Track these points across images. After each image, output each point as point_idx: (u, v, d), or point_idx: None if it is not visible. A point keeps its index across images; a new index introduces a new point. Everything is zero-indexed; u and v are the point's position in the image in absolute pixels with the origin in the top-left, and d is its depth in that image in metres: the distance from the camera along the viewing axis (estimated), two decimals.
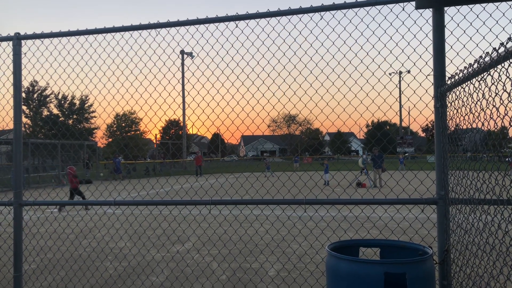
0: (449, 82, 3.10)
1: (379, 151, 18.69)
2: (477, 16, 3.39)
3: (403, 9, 3.51)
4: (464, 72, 2.77)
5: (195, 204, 3.42)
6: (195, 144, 74.83)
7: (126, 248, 6.14)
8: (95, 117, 47.18)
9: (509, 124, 2.21)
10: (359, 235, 3.51)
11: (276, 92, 3.78)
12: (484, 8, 3.38)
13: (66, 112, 46.51)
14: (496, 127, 2.48)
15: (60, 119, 45.39)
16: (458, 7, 3.40)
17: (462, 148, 3.16)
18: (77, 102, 46.72)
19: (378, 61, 3.61)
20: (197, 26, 3.88)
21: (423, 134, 73.81)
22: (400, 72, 41.32)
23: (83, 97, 46.27)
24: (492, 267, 2.64)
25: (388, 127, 64.41)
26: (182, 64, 34.97)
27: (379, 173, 17.81)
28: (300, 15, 3.70)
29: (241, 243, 5.32)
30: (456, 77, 2.92)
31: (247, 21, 3.78)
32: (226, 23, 3.81)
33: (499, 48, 2.24)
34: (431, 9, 3.39)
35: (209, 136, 76.33)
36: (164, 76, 4.07)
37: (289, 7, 3.69)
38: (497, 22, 3.37)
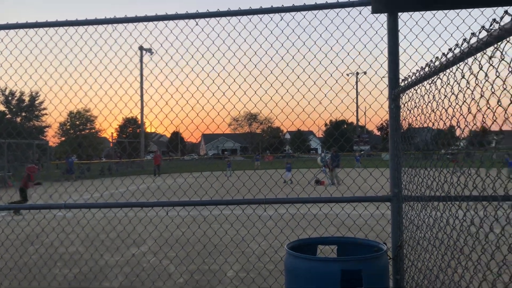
0: (402, 84, 3.22)
1: (336, 150, 19.26)
2: (428, 22, 3.54)
3: (360, 13, 3.61)
4: (416, 75, 2.89)
5: (152, 206, 3.35)
6: (154, 143, 73.40)
7: (77, 253, 5.89)
8: (46, 114, 45.01)
9: (457, 124, 2.33)
10: (317, 233, 3.58)
11: (237, 91, 3.77)
12: (434, 15, 3.53)
13: (14, 109, 44.10)
14: (445, 127, 2.61)
15: (7, 116, 42.99)
16: (410, 13, 3.54)
17: (414, 147, 3.29)
18: (27, 99, 44.40)
19: (336, 62, 3.69)
20: (155, 22, 3.80)
21: (378, 133, 76.39)
22: (357, 74, 42.48)
23: (33, 93, 44.02)
24: (441, 261, 2.77)
25: (345, 126, 65.98)
26: (141, 60, 34.19)
27: (336, 171, 18.34)
28: (260, 15, 3.71)
29: (200, 244, 5.27)
30: (409, 80, 3.04)
31: (207, 19, 3.74)
32: (186, 20, 3.75)
33: (447, 53, 2.35)
34: (386, 14, 3.50)
35: (168, 135, 75.17)
36: (121, 73, 3.96)
37: (250, 7, 3.69)
38: (445, 28, 3.54)
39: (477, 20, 3.45)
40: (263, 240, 4.10)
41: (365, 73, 3.82)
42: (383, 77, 3.56)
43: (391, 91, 3.43)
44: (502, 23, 1.64)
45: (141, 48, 35.83)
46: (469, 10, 3.41)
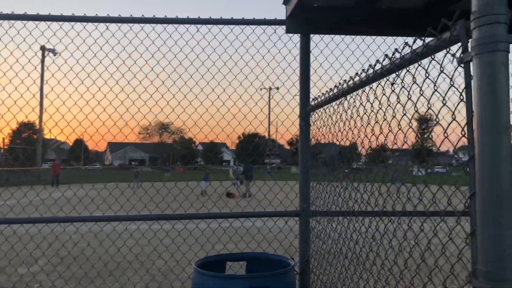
0: (313, 103, 3.34)
1: (249, 163, 19.69)
2: (337, 45, 3.75)
3: (275, 32, 3.70)
4: (326, 96, 3.03)
5: (46, 222, 3.02)
6: (53, 150, 67.73)
7: None
8: None
9: (361, 144, 2.48)
10: (227, 249, 3.53)
11: (148, 100, 3.61)
12: (342, 39, 3.76)
13: None
14: (350, 144, 2.78)
15: None
16: (322, 35, 3.72)
17: (321, 163, 3.43)
18: None
19: (251, 78, 3.73)
20: (60, 23, 3.50)
21: (288, 147, 79.45)
22: (270, 89, 43.67)
23: None
24: (344, 275, 2.89)
25: (258, 139, 67.48)
26: (42, 62, 31.49)
27: (248, 184, 18.64)
28: (176, 25, 3.62)
29: (101, 263, 4.88)
30: (319, 99, 3.17)
31: (119, 24, 3.54)
32: (96, 24, 3.51)
33: (354, 76, 2.50)
34: (299, 35, 3.64)
35: (71, 142, 69.92)
36: (16, 74, 3.56)
37: (165, 16, 3.58)
38: (352, 53, 3.78)
39: (380, 47, 3.74)
40: (170, 257, 3.93)
41: (277, 89, 3.92)
42: (295, 95, 3.68)
43: (302, 109, 3.55)
44: (403, 53, 1.78)
45: (43, 48, 33.09)
46: (373, 37, 3.68)
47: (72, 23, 3.49)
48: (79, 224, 3.33)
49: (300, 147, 3.58)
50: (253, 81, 3.75)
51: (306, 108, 3.52)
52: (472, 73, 1.26)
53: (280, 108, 3.71)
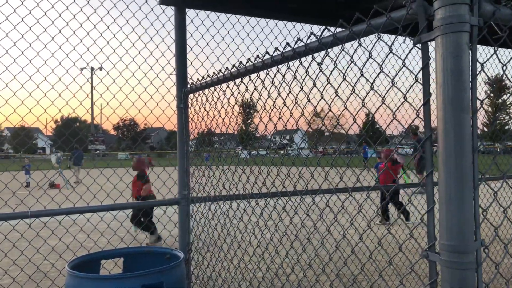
0: (198, 84, 3.12)
1: (77, 148, 18.87)
2: (213, 23, 3.58)
3: (146, 2, 3.31)
4: (207, 79, 2.89)
5: None
6: None
7: None
8: None
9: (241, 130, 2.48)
10: (98, 247, 3.04)
11: None
12: (218, 18, 3.60)
13: None
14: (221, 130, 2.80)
15: None
16: (197, 11, 3.49)
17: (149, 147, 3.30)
18: None
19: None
20: None
21: (114, 132, 74.91)
22: (92, 68, 39.86)
23: None
24: (223, 259, 2.85)
25: (78, 124, 61.55)
26: None
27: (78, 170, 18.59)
28: None
29: None
30: (202, 81, 2.99)
31: None
32: None
33: (232, 67, 2.45)
34: (174, 8, 3.34)
35: None
36: None
37: None
38: (228, 32, 3.66)
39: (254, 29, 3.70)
40: (28, 263, 3.19)
41: (100, 69, 3.53)
42: (171, 73, 3.37)
43: (181, 89, 3.29)
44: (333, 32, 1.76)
45: None
46: (248, 18, 3.62)
47: None
48: None
49: (178, 130, 3.33)
50: (91, 54, 3.28)
51: (185, 89, 3.28)
52: (430, 54, 1.30)
53: (155, 88, 3.34)
